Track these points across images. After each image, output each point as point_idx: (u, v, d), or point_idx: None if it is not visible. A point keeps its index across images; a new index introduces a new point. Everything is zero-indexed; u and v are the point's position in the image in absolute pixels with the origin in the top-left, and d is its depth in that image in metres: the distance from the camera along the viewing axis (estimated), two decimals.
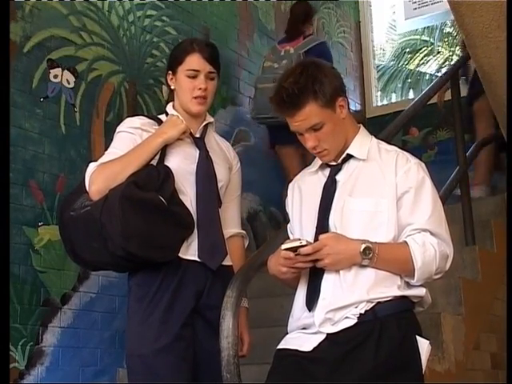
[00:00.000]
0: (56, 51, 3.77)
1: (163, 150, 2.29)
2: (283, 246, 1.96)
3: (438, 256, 1.97)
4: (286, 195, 2.24)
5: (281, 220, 4.97)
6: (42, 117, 3.63)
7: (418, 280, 1.97)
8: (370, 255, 1.93)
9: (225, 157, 2.46)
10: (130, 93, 4.17)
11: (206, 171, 2.33)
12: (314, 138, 2.02)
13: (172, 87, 2.39)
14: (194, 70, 2.33)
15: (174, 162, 2.29)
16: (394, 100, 12.16)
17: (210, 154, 2.37)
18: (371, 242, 1.94)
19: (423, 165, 2.08)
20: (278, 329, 2.19)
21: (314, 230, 2.04)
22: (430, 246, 1.96)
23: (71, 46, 3.86)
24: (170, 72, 2.39)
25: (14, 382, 3.29)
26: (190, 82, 2.33)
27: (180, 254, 2.24)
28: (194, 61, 2.33)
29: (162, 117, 2.41)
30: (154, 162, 2.26)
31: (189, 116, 2.37)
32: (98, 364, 3.69)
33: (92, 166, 2.24)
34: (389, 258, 1.95)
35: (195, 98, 2.33)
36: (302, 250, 1.92)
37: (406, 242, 1.97)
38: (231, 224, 2.45)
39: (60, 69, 3.77)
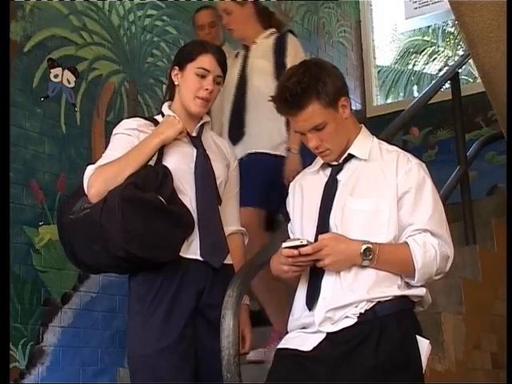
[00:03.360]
0: (56, 51, 3.77)
1: (161, 151, 2.28)
2: (284, 245, 1.95)
3: (439, 257, 1.96)
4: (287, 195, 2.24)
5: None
6: (42, 116, 3.63)
7: (419, 281, 1.97)
8: (370, 256, 1.92)
9: (222, 154, 2.45)
10: (131, 92, 4.17)
11: (204, 169, 2.33)
12: (316, 138, 2.02)
13: (176, 83, 2.38)
14: (204, 70, 2.32)
15: (171, 161, 2.28)
16: (393, 100, 12.14)
17: (207, 151, 2.37)
18: (371, 243, 1.93)
19: (424, 165, 2.08)
20: None
21: (315, 229, 2.03)
22: (430, 247, 1.96)
23: (72, 46, 3.87)
24: (176, 67, 2.37)
25: (14, 382, 3.29)
26: (198, 80, 2.33)
27: (181, 253, 2.23)
28: (207, 61, 2.33)
29: (158, 117, 2.40)
30: (152, 163, 2.25)
31: (186, 115, 2.36)
32: (98, 364, 3.69)
33: (90, 169, 2.23)
34: (389, 258, 1.95)
35: (199, 98, 2.32)
36: (302, 250, 1.92)
37: (406, 243, 1.97)
38: (230, 222, 2.43)
39: (60, 68, 3.77)
